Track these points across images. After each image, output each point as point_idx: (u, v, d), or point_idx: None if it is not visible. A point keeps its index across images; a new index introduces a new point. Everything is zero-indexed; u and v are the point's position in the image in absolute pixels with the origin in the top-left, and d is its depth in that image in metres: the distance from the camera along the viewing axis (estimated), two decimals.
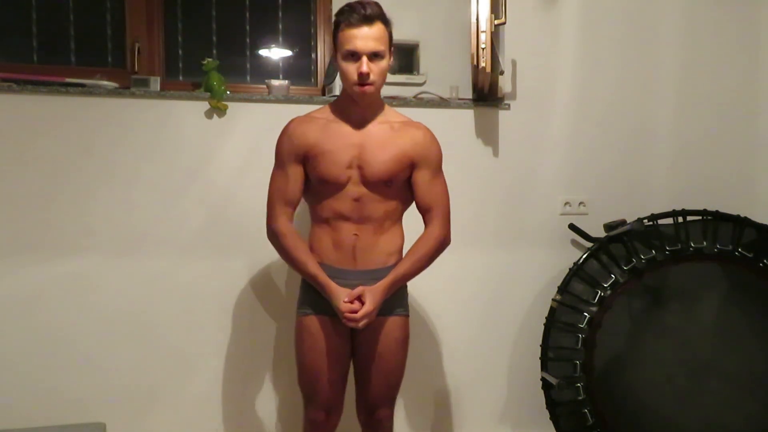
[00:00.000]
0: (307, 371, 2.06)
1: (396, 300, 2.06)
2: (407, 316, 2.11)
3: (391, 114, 2.09)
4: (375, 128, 2.03)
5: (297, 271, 2.04)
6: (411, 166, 2.05)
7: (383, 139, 2.02)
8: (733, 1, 2.89)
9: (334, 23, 2.00)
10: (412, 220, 2.10)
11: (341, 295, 1.96)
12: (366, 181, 2.00)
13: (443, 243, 2.07)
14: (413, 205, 2.11)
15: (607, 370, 2.55)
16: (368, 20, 1.92)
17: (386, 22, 1.97)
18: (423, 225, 2.07)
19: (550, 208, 2.75)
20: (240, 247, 2.50)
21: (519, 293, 2.74)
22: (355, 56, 1.93)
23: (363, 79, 1.93)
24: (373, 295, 1.96)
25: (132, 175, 2.41)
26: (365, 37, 1.92)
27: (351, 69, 1.94)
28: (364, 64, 1.92)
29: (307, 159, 2.02)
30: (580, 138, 2.77)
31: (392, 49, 2.02)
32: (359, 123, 2.03)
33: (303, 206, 2.12)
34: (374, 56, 1.94)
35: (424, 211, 2.08)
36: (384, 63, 1.97)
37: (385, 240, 2.05)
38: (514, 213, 2.73)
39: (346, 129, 2.02)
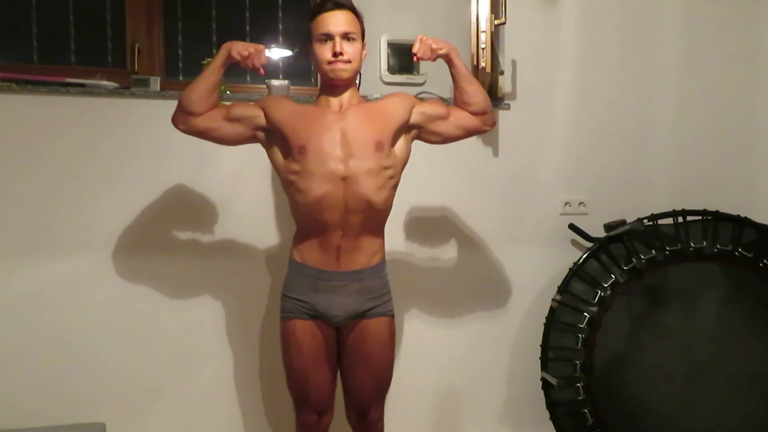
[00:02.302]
0: (295, 375, 2.04)
1: (381, 301, 2.04)
2: (393, 315, 2.09)
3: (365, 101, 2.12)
4: (353, 110, 2.02)
5: (206, 77, 2.00)
6: (401, 122, 2.04)
7: (363, 114, 2.02)
8: (733, 1, 2.88)
9: (308, 19, 2.02)
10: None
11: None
12: (352, 153, 1.95)
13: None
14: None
15: (607, 370, 2.55)
16: (340, 6, 1.98)
17: (358, 15, 2.02)
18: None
19: (549, 208, 2.75)
20: (241, 246, 2.50)
21: (519, 293, 2.74)
22: (328, 37, 1.96)
23: (337, 56, 1.95)
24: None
25: (132, 175, 2.41)
26: (338, 21, 1.96)
27: (325, 50, 1.97)
28: (338, 44, 1.94)
29: (279, 130, 1.99)
30: (580, 138, 2.77)
31: (365, 43, 2.04)
32: (338, 109, 2.01)
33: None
34: (347, 38, 1.96)
35: (455, 109, 2.12)
36: (358, 46, 1.99)
37: (368, 241, 2.01)
38: (514, 213, 2.73)
39: (326, 112, 2.01)
